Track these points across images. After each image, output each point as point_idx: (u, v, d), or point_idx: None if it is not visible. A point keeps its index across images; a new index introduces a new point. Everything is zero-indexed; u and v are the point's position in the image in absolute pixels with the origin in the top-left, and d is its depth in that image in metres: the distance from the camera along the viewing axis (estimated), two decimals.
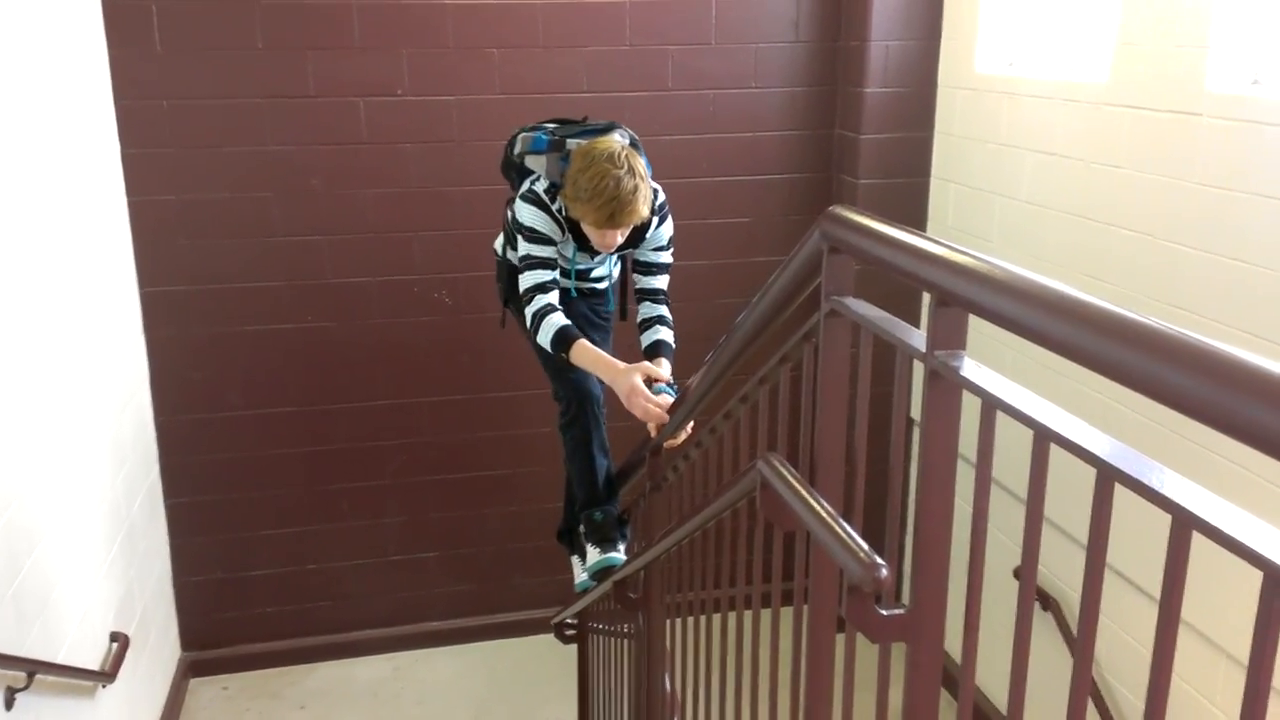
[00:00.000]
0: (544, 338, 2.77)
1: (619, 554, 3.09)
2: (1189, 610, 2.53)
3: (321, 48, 3.84)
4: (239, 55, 3.79)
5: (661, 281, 2.99)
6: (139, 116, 3.76)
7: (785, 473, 1.60)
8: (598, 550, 3.12)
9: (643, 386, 2.65)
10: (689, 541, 2.49)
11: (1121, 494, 0.98)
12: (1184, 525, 0.91)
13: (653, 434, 2.88)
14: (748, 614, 2.26)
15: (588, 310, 3.08)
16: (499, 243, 3.17)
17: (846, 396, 1.66)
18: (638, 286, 3.01)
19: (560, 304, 2.84)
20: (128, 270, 3.83)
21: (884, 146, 4.07)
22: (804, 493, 1.52)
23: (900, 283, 1.38)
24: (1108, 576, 3.16)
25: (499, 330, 4.25)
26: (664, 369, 2.85)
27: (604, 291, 3.11)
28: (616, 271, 3.11)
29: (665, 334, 2.97)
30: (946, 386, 1.26)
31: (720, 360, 2.33)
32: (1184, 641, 2.88)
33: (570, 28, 3.96)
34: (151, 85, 3.74)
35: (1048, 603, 3.44)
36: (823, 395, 1.67)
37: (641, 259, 2.97)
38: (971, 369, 1.23)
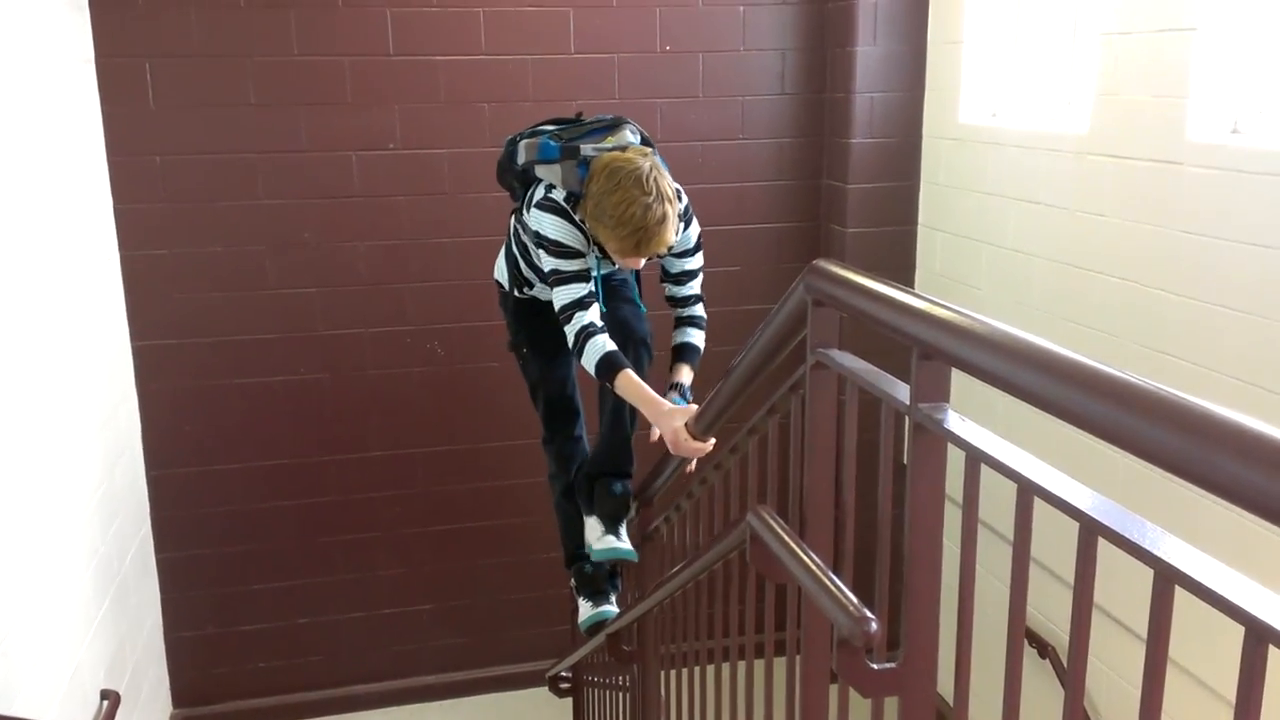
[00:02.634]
0: (588, 361, 2.60)
1: (611, 607, 3.07)
2: (1185, 654, 2.50)
3: (314, 103, 3.88)
4: (232, 111, 3.83)
5: (694, 288, 2.84)
6: (132, 172, 3.79)
7: (775, 525, 1.61)
8: (589, 604, 3.09)
9: (684, 433, 2.49)
10: (682, 593, 2.49)
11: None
12: (1166, 579, 0.92)
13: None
14: (742, 664, 2.25)
15: (610, 301, 2.86)
16: (500, 269, 3.01)
17: (834, 447, 1.68)
18: (668, 295, 2.86)
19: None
20: (119, 324, 3.84)
21: (871, 196, 4.11)
22: (794, 546, 1.53)
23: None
24: (1105, 622, 3.13)
25: (493, 380, 4.28)
26: (684, 376, 2.76)
27: (628, 282, 2.96)
28: None
29: (693, 335, 2.83)
30: (931, 439, 1.27)
31: (711, 410, 2.34)
32: (1181, 685, 2.84)
33: (560, 82, 4.02)
34: (144, 141, 3.78)
35: (1045, 650, 3.42)
36: (811, 447, 1.68)
37: (670, 269, 2.81)
38: (955, 422, 1.25)
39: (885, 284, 1.40)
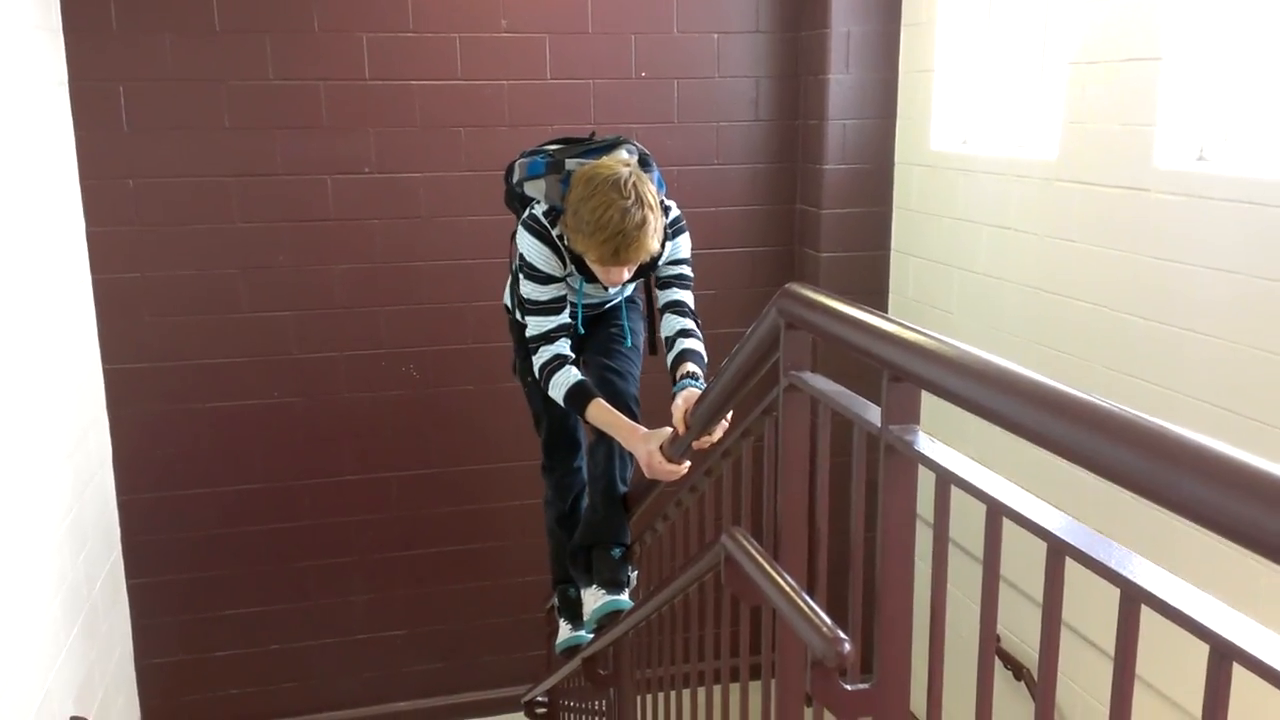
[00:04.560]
0: (556, 393, 2.56)
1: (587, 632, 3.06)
2: (1154, 673, 2.51)
3: (289, 127, 3.88)
4: (206, 135, 3.83)
5: (684, 294, 2.72)
6: (104, 195, 3.77)
7: (749, 547, 1.61)
8: (569, 627, 3.08)
9: (660, 457, 2.45)
10: (657, 616, 2.48)
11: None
12: (1132, 599, 0.93)
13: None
14: (718, 688, 2.25)
15: (603, 349, 2.82)
16: (507, 294, 2.95)
17: (807, 469, 1.69)
18: (660, 304, 2.73)
19: (571, 347, 2.62)
20: (91, 348, 3.81)
21: (844, 221, 4.15)
22: (767, 567, 1.53)
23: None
24: (1079, 643, 3.15)
25: (467, 403, 4.27)
26: (690, 367, 2.60)
27: (618, 316, 2.87)
28: (630, 289, 2.86)
29: (692, 344, 2.66)
30: (901, 461, 1.28)
31: (686, 434, 2.35)
32: (1151, 703, 2.84)
33: (536, 107, 4.04)
34: (118, 164, 3.76)
35: (1020, 671, 3.43)
36: (784, 468, 1.69)
37: (659, 274, 2.71)
38: (926, 444, 1.26)
39: (856, 307, 1.42)
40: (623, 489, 2.82)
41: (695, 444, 2.41)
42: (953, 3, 3.76)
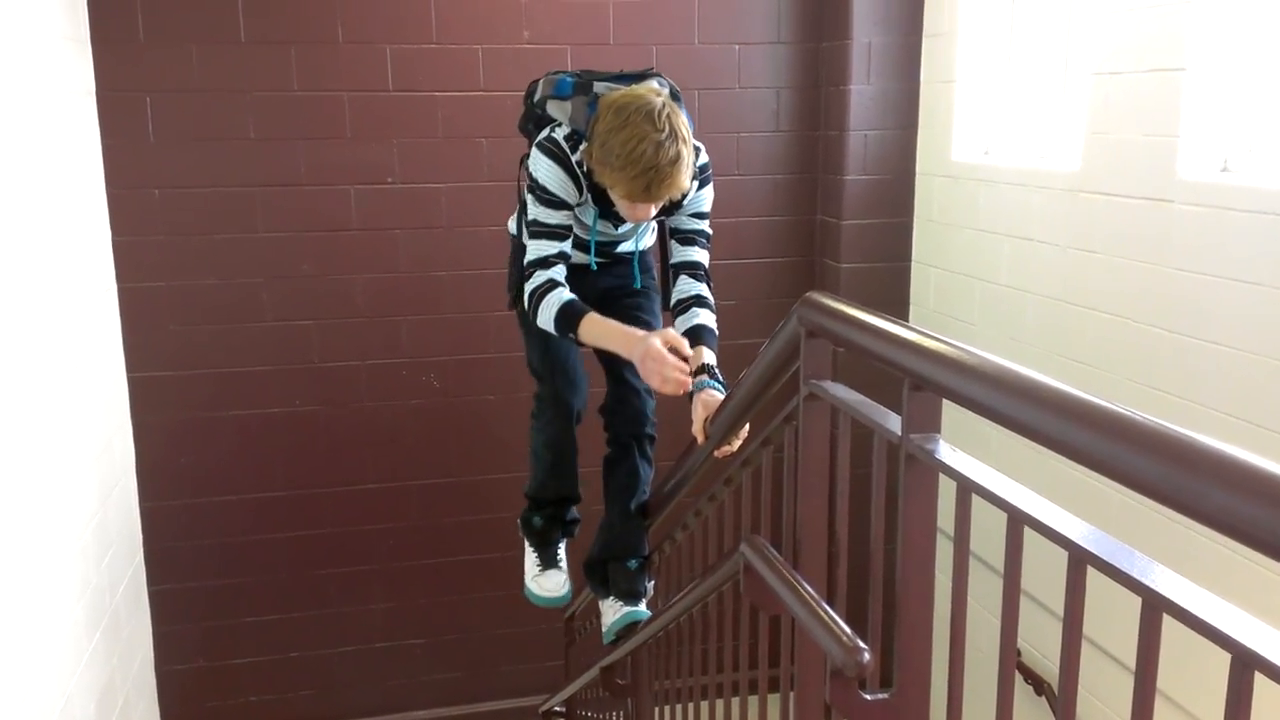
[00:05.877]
0: (545, 319, 2.39)
1: (556, 587, 2.91)
2: (1175, 688, 2.49)
3: (313, 138, 3.92)
4: (231, 145, 3.86)
5: (701, 255, 2.56)
6: (130, 205, 3.81)
7: (769, 556, 1.61)
8: (535, 557, 2.90)
9: (662, 350, 2.24)
10: (676, 626, 2.48)
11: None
12: (1154, 608, 0.92)
13: (698, 430, 2.43)
14: (736, 700, 2.24)
15: (618, 297, 2.66)
16: (513, 221, 2.80)
17: (828, 478, 1.68)
18: (673, 261, 2.56)
19: (581, 280, 2.48)
20: (116, 356, 3.85)
21: (865, 232, 4.15)
22: (787, 576, 1.53)
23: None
24: (1100, 657, 3.11)
25: (488, 412, 4.28)
26: (707, 356, 2.45)
27: (629, 264, 2.69)
28: (649, 240, 2.70)
29: (706, 318, 2.53)
30: (922, 470, 1.28)
31: (706, 442, 2.34)
32: (1172, 718, 2.80)
33: None
34: (143, 174, 3.80)
35: (1041, 686, 3.41)
36: (804, 477, 1.69)
37: (679, 226, 2.53)
38: (947, 452, 1.25)
39: (876, 315, 1.42)
40: (641, 506, 2.78)
41: (716, 453, 2.36)
42: (975, 13, 3.76)
